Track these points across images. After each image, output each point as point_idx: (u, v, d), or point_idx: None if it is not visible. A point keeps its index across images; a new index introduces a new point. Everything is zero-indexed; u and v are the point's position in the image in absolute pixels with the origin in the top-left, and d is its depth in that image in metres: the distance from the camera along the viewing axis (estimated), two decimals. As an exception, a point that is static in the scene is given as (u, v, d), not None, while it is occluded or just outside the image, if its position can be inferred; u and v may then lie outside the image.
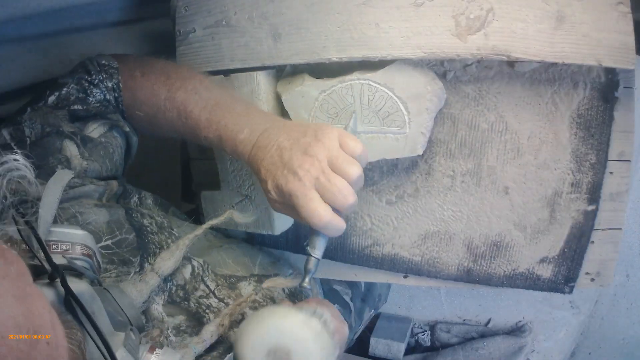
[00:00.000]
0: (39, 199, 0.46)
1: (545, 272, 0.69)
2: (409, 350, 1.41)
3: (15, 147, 0.55)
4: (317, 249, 0.57)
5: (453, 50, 0.59)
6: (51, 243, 0.43)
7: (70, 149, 0.59)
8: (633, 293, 1.40)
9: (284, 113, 0.73)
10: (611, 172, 0.64)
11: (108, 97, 0.66)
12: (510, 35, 0.57)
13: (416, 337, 1.46)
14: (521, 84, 0.63)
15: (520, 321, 1.46)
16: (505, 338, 1.43)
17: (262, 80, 0.68)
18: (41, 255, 0.40)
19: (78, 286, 0.40)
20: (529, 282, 0.70)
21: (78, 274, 0.43)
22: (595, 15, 0.55)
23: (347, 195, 0.54)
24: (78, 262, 0.44)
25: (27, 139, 0.58)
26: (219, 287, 0.63)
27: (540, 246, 0.68)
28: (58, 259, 0.41)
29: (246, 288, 0.66)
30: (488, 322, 1.47)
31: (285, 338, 0.47)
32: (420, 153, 0.66)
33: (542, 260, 0.68)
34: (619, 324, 1.43)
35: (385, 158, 0.67)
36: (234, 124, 0.59)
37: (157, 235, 0.60)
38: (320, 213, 0.53)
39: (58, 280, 0.38)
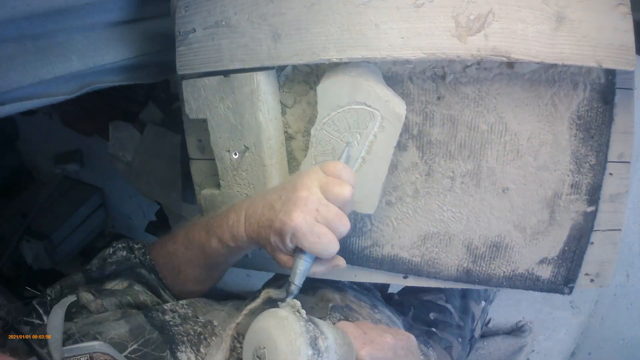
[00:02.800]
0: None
1: (545, 272, 0.69)
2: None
3: (39, 308, 0.61)
4: (300, 278, 0.57)
5: (453, 51, 0.59)
6: (71, 359, 0.46)
7: (85, 297, 0.62)
8: (633, 293, 1.40)
9: (282, 112, 0.73)
10: (611, 174, 0.64)
11: (137, 269, 0.71)
12: (510, 36, 0.57)
13: (416, 337, 1.46)
14: (521, 85, 0.63)
15: (520, 321, 1.47)
16: (505, 338, 1.44)
17: (261, 81, 0.68)
18: None
19: None
20: (529, 282, 0.70)
21: None
22: (595, 16, 0.55)
23: (345, 223, 0.56)
24: None
25: (48, 297, 0.64)
26: None
27: (540, 247, 0.68)
28: None
29: None
30: (488, 322, 1.47)
31: (257, 334, 0.51)
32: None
33: (542, 261, 0.68)
34: (619, 324, 1.43)
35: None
36: (222, 218, 0.63)
37: (181, 326, 0.59)
38: (330, 245, 0.55)
39: None
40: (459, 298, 0.99)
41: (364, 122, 0.64)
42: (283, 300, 0.56)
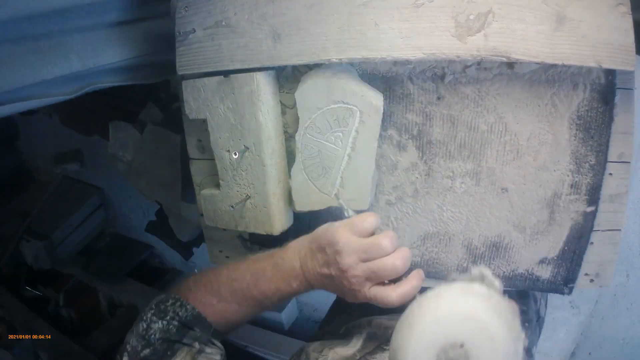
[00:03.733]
0: None
1: (545, 272, 0.69)
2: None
3: None
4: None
5: (453, 51, 0.59)
6: None
7: None
8: (633, 293, 1.40)
9: (282, 112, 0.73)
10: (610, 174, 0.64)
11: (180, 320, 0.67)
12: (510, 36, 0.57)
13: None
14: (521, 85, 0.63)
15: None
16: (505, 338, 1.43)
17: (261, 81, 0.68)
18: None
19: None
20: (529, 282, 0.70)
21: None
22: (595, 16, 0.55)
23: (392, 267, 0.58)
24: None
25: None
26: None
27: (540, 247, 0.68)
28: None
29: None
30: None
31: (450, 327, 0.36)
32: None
33: (542, 261, 0.68)
34: (619, 324, 1.43)
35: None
36: (281, 282, 0.64)
37: None
38: (391, 298, 0.57)
39: None
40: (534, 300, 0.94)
41: (344, 119, 0.66)
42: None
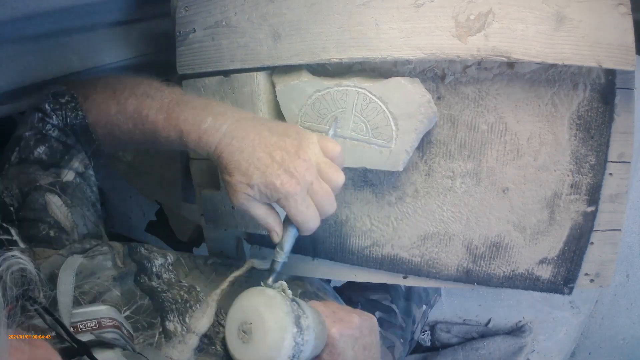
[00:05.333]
0: (43, 285, 0.48)
1: (545, 273, 0.69)
2: (410, 351, 1.42)
3: (3, 223, 0.55)
4: (286, 251, 0.58)
5: (453, 51, 0.59)
6: (78, 324, 0.46)
7: (54, 200, 0.59)
8: (633, 293, 1.40)
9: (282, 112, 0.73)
10: (611, 174, 0.64)
11: (66, 123, 0.63)
12: (510, 36, 0.57)
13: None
14: (521, 85, 0.63)
15: (520, 321, 1.47)
16: (505, 338, 1.43)
17: (262, 81, 0.68)
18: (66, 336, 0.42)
19: (106, 355, 0.43)
20: (529, 282, 0.70)
21: (110, 346, 0.45)
22: (595, 16, 0.55)
23: (333, 204, 0.57)
24: (108, 335, 0.46)
25: (11, 207, 0.57)
26: None
27: (540, 247, 0.68)
28: (87, 337, 0.44)
29: None
30: (488, 322, 1.48)
31: (244, 310, 0.53)
32: (401, 170, 0.67)
33: (542, 261, 0.68)
34: (619, 324, 1.43)
35: (365, 167, 0.68)
36: (195, 116, 0.57)
37: (168, 292, 0.60)
38: (315, 219, 0.56)
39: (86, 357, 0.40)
40: (403, 300, 1.01)
41: (341, 100, 0.66)
42: (267, 270, 0.58)
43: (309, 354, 0.53)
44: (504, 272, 0.70)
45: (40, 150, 0.60)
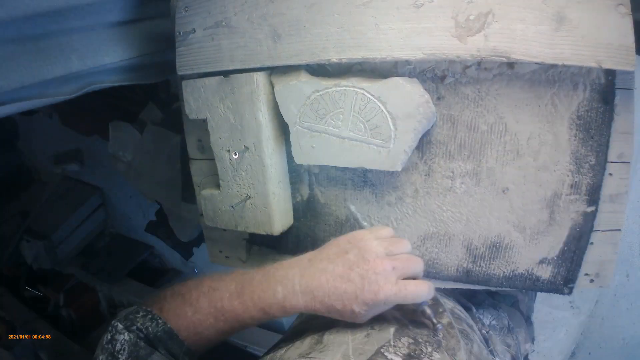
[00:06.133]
0: None
1: (545, 273, 0.69)
2: None
3: None
4: (430, 314, 0.59)
5: (453, 52, 0.59)
6: None
7: None
8: (633, 293, 1.40)
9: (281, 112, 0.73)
10: (610, 174, 0.64)
11: (148, 333, 0.62)
12: (510, 36, 0.57)
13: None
14: (521, 85, 0.63)
15: (520, 321, 1.46)
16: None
17: (261, 81, 0.68)
18: None
19: None
20: (528, 283, 0.70)
21: None
22: (595, 16, 0.55)
23: (419, 262, 0.58)
24: None
25: None
26: None
27: (540, 247, 0.68)
28: None
29: None
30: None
31: None
32: (399, 169, 0.67)
33: (542, 261, 0.68)
34: (619, 324, 1.43)
35: (364, 167, 0.68)
36: (265, 291, 0.60)
37: None
38: (421, 288, 0.56)
39: None
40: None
41: (340, 100, 0.66)
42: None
43: None
44: (504, 272, 0.70)
45: None
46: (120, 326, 0.61)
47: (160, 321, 0.62)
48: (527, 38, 0.57)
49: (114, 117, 1.52)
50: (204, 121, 0.75)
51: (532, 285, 0.70)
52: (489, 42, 0.58)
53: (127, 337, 0.60)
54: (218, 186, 0.78)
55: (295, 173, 0.76)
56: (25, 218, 2.14)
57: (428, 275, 0.74)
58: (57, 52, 0.74)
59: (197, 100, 0.74)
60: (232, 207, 0.75)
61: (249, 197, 0.74)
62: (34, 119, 2.16)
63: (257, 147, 0.71)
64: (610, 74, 0.60)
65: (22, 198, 2.29)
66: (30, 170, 2.45)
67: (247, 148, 0.72)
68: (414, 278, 0.57)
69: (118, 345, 0.60)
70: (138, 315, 0.62)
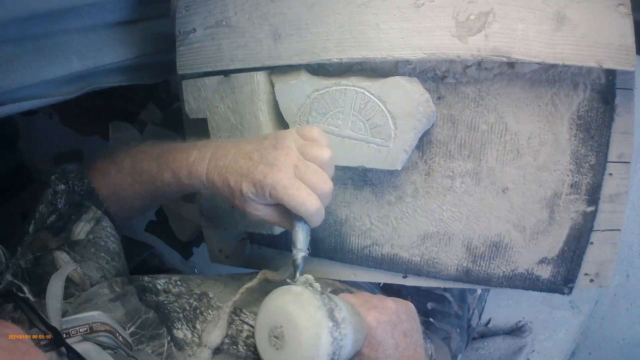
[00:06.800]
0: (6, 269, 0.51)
1: (545, 272, 0.69)
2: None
3: (17, 282, 0.56)
4: (302, 244, 0.57)
5: (453, 51, 0.59)
6: (70, 330, 0.45)
7: (61, 257, 0.61)
8: (633, 293, 1.40)
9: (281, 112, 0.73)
10: (610, 174, 0.64)
11: (74, 189, 0.68)
12: (510, 36, 0.57)
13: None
14: (521, 85, 0.63)
15: (520, 321, 1.47)
16: (505, 338, 1.43)
17: (262, 81, 0.68)
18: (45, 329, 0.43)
19: (83, 346, 0.43)
20: (528, 282, 0.70)
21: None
22: (596, 16, 0.55)
23: (327, 180, 0.56)
24: (100, 339, 0.46)
25: (24, 269, 0.60)
26: None
27: (540, 247, 0.68)
28: (77, 339, 0.45)
29: None
30: (488, 322, 1.48)
31: (272, 314, 0.49)
32: (399, 169, 0.67)
33: (542, 261, 0.68)
34: (619, 324, 1.43)
35: (364, 166, 0.68)
36: (182, 153, 0.62)
37: (175, 302, 0.59)
38: (311, 200, 0.54)
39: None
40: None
41: (340, 99, 0.66)
42: (283, 281, 0.56)
43: (349, 349, 0.49)
44: (504, 271, 0.70)
45: (52, 219, 0.65)
46: (56, 181, 0.68)
47: (85, 180, 0.68)
48: (527, 38, 0.57)
49: (114, 117, 1.52)
50: (204, 121, 0.75)
51: (531, 285, 0.70)
52: (489, 41, 0.58)
53: (63, 187, 0.67)
54: (218, 186, 0.78)
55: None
56: (25, 218, 2.14)
57: (428, 274, 0.74)
58: (57, 52, 0.74)
59: (197, 99, 0.74)
60: (232, 206, 0.75)
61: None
62: (34, 119, 2.16)
63: (257, 146, 0.71)
64: (611, 74, 0.61)
65: (22, 198, 2.29)
66: (30, 170, 2.45)
67: (247, 148, 0.72)
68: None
69: (58, 195, 0.66)
70: (72, 175, 0.68)
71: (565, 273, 0.68)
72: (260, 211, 0.58)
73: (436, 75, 0.65)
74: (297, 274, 0.56)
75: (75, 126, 1.91)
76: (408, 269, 0.75)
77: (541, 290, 0.70)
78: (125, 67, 0.83)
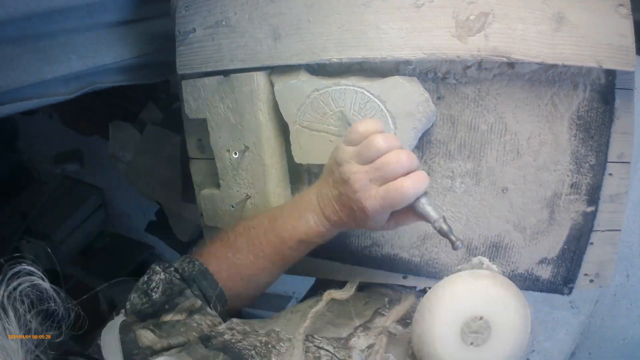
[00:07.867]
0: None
1: (545, 273, 0.69)
2: None
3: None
4: (435, 213, 0.54)
5: (453, 52, 0.59)
6: None
7: (145, 335, 0.55)
8: (633, 293, 1.40)
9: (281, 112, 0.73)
10: (610, 174, 0.64)
11: (184, 273, 0.63)
12: (510, 36, 0.57)
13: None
14: (521, 85, 0.63)
15: (520, 321, 1.46)
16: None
17: (261, 81, 0.68)
18: None
19: None
20: (528, 282, 0.70)
21: None
22: (596, 16, 0.55)
23: (397, 159, 0.54)
24: None
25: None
26: (337, 348, 0.58)
27: (540, 247, 0.68)
28: None
29: (358, 342, 0.61)
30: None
31: (468, 305, 0.42)
32: None
33: (541, 261, 0.68)
34: (619, 324, 1.43)
35: None
36: (296, 221, 0.61)
37: (245, 340, 0.56)
38: (407, 186, 0.53)
39: None
40: None
41: (339, 99, 0.66)
42: (453, 243, 0.51)
43: None
44: (504, 272, 0.70)
45: (145, 307, 0.60)
46: (158, 268, 0.63)
47: (197, 263, 0.63)
48: (527, 38, 0.57)
49: (114, 117, 1.52)
50: (204, 121, 0.75)
51: (531, 285, 0.70)
52: (489, 42, 0.58)
53: (162, 277, 0.62)
54: (218, 186, 0.78)
55: (295, 173, 0.76)
56: (25, 218, 2.14)
57: (428, 275, 0.74)
58: (57, 52, 0.74)
59: (197, 99, 0.74)
60: (232, 206, 0.75)
61: (249, 196, 0.74)
62: (34, 119, 2.16)
63: (257, 146, 0.71)
64: (611, 74, 0.61)
65: (22, 198, 2.29)
66: (30, 170, 2.45)
67: (247, 147, 0.72)
68: (407, 174, 0.53)
69: (153, 284, 0.61)
70: (177, 260, 0.64)
71: (565, 273, 0.68)
72: (395, 222, 0.60)
73: (436, 76, 0.65)
74: (453, 237, 0.51)
75: (75, 126, 1.91)
76: (408, 269, 0.75)
77: (541, 290, 0.70)
78: (125, 67, 0.83)
